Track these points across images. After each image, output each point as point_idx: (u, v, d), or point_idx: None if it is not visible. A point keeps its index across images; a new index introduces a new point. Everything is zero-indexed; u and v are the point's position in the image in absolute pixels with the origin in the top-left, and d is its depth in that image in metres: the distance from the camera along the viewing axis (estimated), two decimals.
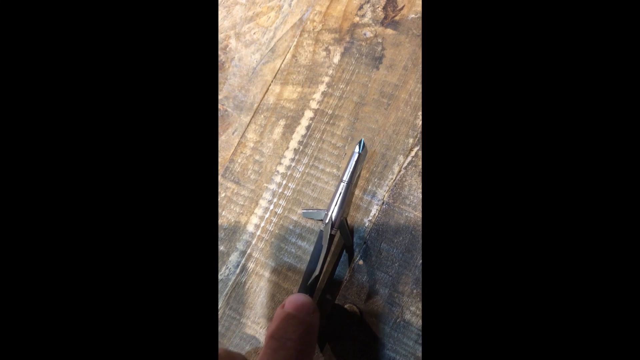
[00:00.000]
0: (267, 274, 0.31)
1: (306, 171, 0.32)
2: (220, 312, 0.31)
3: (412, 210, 0.29)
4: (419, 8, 0.32)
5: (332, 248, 0.29)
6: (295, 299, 0.25)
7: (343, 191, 0.28)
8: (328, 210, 0.28)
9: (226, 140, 0.35)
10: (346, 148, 0.31)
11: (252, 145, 0.34)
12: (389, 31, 0.33)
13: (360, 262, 0.29)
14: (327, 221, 0.27)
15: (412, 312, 0.28)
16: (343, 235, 0.29)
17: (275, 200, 0.32)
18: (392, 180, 0.30)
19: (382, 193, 0.30)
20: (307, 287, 0.27)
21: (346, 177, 0.28)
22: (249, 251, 0.32)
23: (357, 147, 0.28)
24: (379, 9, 0.33)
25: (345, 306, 0.29)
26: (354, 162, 0.28)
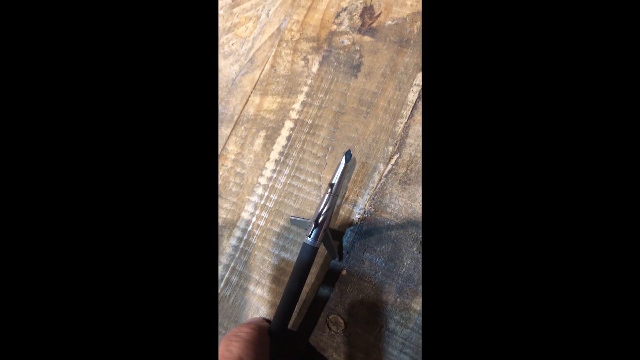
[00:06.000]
0: (251, 287, 0.31)
1: (288, 182, 0.32)
2: None
3: (394, 219, 0.29)
4: (396, 15, 0.32)
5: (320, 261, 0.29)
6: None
7: (329, 203, 0.28)
8: (314, 221, 0.27)
9: None
10: (327, 158, 0.31)
11: (233, 157, 0.34)
12: (367, 38, 0.33)
13: (344, 272, 0.29)
14: (310, 233, 0.27)
15: (396, 321, 0.28)
16: (327, 249, 0.29)
17: (257, 212, 0.32)
18: (372, 189, 0.30)
19: (364, 202, 0.30)
20: (287, 303, 0.27)
21: (333, 190, 0.28)
22: (232, 264, 0.32)
23: (344, 158, 0.28)
24: (356, 16, 0.33)
25: (330, 317, 0.29)
26: (340, 173, 0.28)
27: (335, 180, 0.28)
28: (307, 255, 0.27)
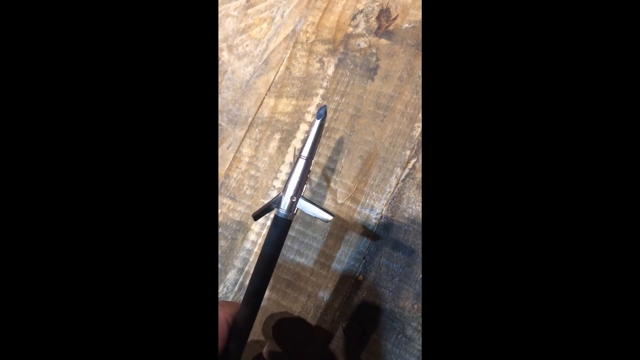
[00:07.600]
0: (266, 291, 0.31)
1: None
2: None
3: (411, 224, 0.29)
4: (413, 18, 0.32)
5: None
6: None
7: (302, 168, 0.24)
8: (285, 190, 0.24)
9: (221, 155, 0.34)
10: (343, 161, 0.31)
11: (247, 160, 0.33)
12: (383, 41, 0.32)
13: (360, 277, 0.29)
14: (285, 201, 0.24)
15: (414, 328, 0.28)
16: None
17: (272, 216, 0.32)
18: (390, 194, 0.29)
19: (380, 207, 0.29)
20: (261, 273, 0.24)
21: (306, 152, 0.24)
22: (246, 269, 0.31)
23: (319, 114, 0.24)
24: (373, 19, 0.33)
25: (346, 323, 0.29)
26: (314, 132, 0.24)
27: (309, 140, 0.24)
28: (277, 229, 0.24)
